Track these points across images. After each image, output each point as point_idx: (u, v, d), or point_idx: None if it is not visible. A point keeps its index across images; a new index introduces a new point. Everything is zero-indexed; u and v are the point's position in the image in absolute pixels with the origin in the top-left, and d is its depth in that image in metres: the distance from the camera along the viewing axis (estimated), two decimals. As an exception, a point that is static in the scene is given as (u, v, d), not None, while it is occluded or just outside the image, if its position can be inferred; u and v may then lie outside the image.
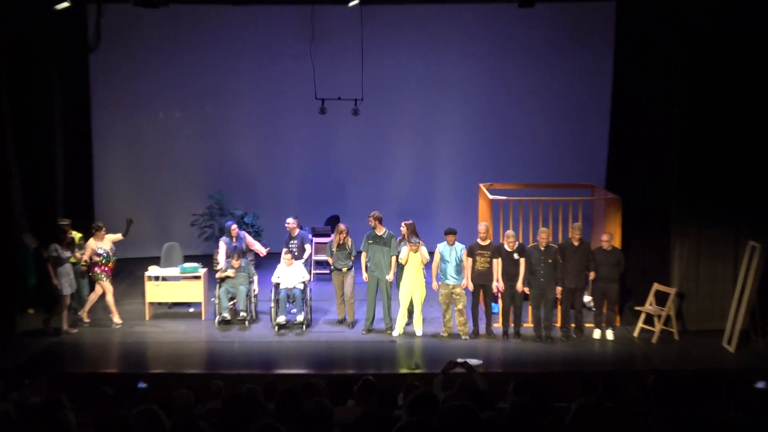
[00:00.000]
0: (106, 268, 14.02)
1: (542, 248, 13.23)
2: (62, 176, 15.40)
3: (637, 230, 14.68)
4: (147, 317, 14.35)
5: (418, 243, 13.44)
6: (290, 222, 14.76)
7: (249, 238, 14.99)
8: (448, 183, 18.95)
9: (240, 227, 15.45)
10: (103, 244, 14.03)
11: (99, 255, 13.96)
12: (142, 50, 18.04)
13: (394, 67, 18.46)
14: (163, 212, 18.54)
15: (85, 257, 13.95)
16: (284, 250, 14.42)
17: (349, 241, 13.94)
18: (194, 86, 18.46)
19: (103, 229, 14.10)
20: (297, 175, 19.06)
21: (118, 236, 14.31)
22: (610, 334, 13.49)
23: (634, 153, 15.27)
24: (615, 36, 16.28)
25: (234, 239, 14.57)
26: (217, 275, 14.18)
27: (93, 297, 14.06)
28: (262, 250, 14.94)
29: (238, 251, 14.32)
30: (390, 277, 13.64)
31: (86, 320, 14.06)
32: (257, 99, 18.65)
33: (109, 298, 14.00)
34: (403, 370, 12.09)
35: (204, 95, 18.60)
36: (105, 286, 13.95)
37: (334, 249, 13.87)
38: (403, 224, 14.22)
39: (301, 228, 15.05)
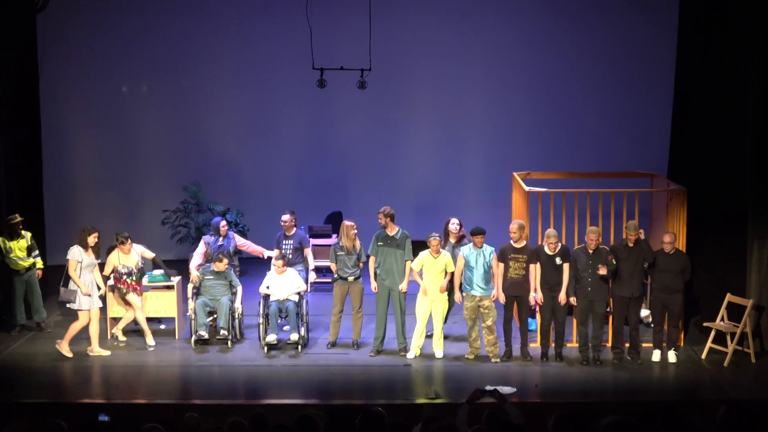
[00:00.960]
0: (131, 285, 14.11)
1: (590, 251, 13.29)
2: (4, 163, 15.51)
3: (706, 229, 14.71)
4: (109, 336, 14.45)
5: (438, 239, 13.44)
6: (286, 219, 14.79)
7: (240, 239, 15.04)
8: (475, 172, 19.01)
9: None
10: (128, 259, 14.11)
11: (122, 273, 14.06)
12: (101, 10, 18.16)
13: (409, 30, 18.52)
14: (128, 208, 18.65)
15: (106, 272, 14.08)
16: (275, 253, 14.49)
17: (358, 243, 14.01)
18: (165, 54, 18.56)
19: (129, 241, 14.09)
20: (290, 162, 19.14)
21: (150, 254, 14.44)
22: (672, 356, 13.54)
23: (702, 135, 15.27)
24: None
25: (222, 238, 14.66)
26: (189, 286, 14.28)
27: (129, 315, 14.21)
28: (262, 251, 14.94)
29: (225, 252, 14.36)
30: (404, 286, 13.72)
31: (122, 338, 14.20)
32: (242, 70, 18.74)
33: (139, 315, 14.13)
34: (420, 400, 12.15)
35: (177, 65, 18.69)
36: (132, 301, 14.12)
37: (340, 253, 13.95)
38: (456, 222, 14.18)
39: (297, 227, 15.11)
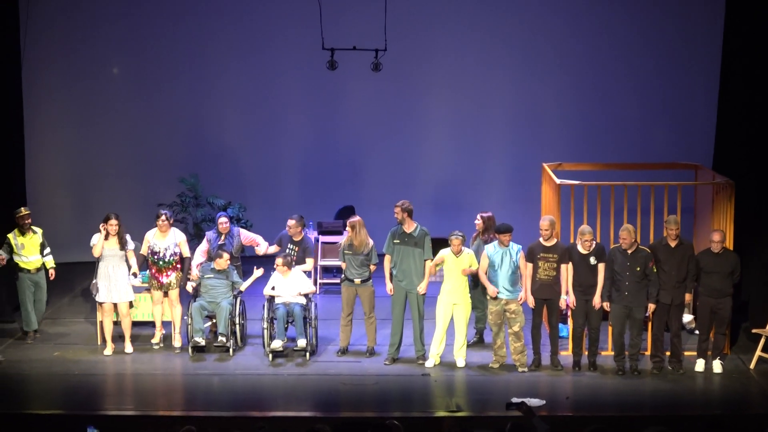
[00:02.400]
0: (156, 272, 14.34)
1: (628, 251, 13.27)
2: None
3: (756, 225, 14.71)
4: (99, 341, 14.53)
5: (459, 238, 13.46)
6: (291, 224, 14.68)
7: (246, 234, 14.99)
8: (501, 163, 19.01)
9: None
10: (162, 239, 14.30)
11: (154, 253, 14.29)
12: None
13: (428, 6, 18.53)
14: (119, 201, 18.65)
15: (143, 251, 14.36)
16: (273, 249, 14.55)
17: (369, 242, 14.03)
18: (160, 33, 18.59)
19: (163, 218, 14.30)
20: (297, 152, 19.16)
21: (186, 253, 14.53)
22: (717, 366, 13.51)
23: (751, 122, 15.26)
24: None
25: (223, 236, 14.66)
26: (189, 285, 14.33)
27: (171, 313, 14.48)
28: (263, 248, 14.89)
29: (227, 250, 14.36)
30: (422, 288, 13.75)
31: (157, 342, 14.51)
32: (243, 50, 18.75)
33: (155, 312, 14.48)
34: (440, 413, 12.19)
35: (173, 45, 18.72)
36: (153, 296, 14.45)
37: (348, 252, 13.98)
38: (478, 217, 14.25)
39: (305, 227, 15.05)
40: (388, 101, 18.93)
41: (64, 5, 18.27)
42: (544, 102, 18.81)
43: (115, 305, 14.14)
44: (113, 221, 14.00)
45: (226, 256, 14.11)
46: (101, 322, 14.31)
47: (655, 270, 13.30)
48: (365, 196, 18.65)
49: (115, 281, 14.06)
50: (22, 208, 14.68)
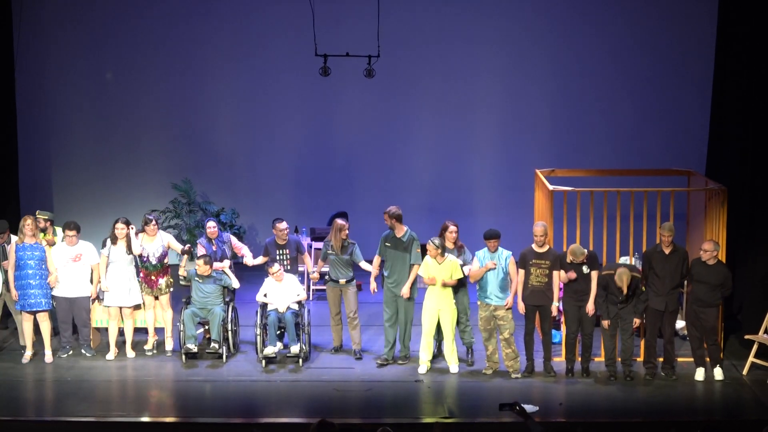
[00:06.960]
0: (144, 274, 14.33)
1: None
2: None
3: (749, 232, 14.71)
4: (93, 345, 14.49)
5: (431, 244, 13.34)
6: (284, 228, 14.67)
7: (236, 242, 15.03)
8: (493, 169, 19.03)
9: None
10: (149, 243, 14.27)
11: (143, 258, 14.30)
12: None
13: (421, 13, 18.55)
14: (110, 207, 18.64)
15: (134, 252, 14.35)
16: (259, 261, 14.56)
17: (348, 244, 14.06)
18: (154, 38, 18.61)
19: (153, 223, 14.27)
20: (290, 158, 19.16)
21: (178, 246, 14.58)
22: (719, 373, 13.43)
23: (744, 129, 15.27)
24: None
25: (213, 242, 14.65)
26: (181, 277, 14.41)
27: (162, 318, 14.52)
28: (250, 260, 14.92)
29: (218, 255, 14.37)
30: (405, 292, 13.72)
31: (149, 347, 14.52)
32: (238, 56, 18.77)
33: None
34: (432, 419, 12.18)
35: (167, 51, 18.73)
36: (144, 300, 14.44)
37: (331, 252, 14.04)
38: (452, 230, 14.17)
39: (294, 232, 15.10)
40: (381, 107, 18.94)
41: (58, 11, 18.27)
42: (536, 108, 18.83)
43: (121, 309, 14.18)
44: (119, 225, 14.00)
45: (203, 261, 14.06)
46: (94, 329, 14.35)
47: (644, 289, 13.30)
48: (358, 202, 18.66)
49: (123, 285, 14.09)
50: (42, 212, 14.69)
